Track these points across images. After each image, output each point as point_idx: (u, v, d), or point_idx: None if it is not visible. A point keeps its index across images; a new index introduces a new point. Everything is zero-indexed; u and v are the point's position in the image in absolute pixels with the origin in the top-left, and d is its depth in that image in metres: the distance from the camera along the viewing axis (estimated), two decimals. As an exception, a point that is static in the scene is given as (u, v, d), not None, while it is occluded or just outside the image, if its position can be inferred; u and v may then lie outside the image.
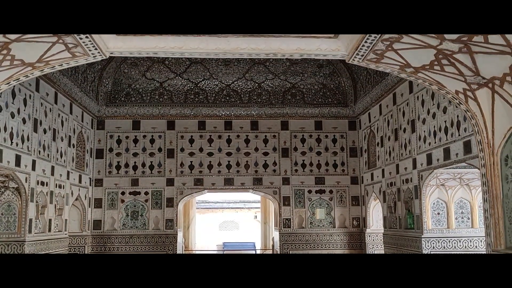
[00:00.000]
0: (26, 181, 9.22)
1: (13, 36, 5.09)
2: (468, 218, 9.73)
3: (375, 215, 13.01)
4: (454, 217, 9.68)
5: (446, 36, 4.95)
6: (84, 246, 12.40)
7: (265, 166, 13.54)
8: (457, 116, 8.07)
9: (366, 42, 5.51)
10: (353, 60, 6.11)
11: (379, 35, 5.25)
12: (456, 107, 7.54)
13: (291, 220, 13.37)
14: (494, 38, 4.67)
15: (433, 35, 4.98)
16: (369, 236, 12.99)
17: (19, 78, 6.13)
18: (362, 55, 5.92)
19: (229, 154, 13.54)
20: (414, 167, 9.82)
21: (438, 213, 9.68)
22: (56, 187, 10.64)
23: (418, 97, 9.67)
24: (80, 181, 12.18)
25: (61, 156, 10.99)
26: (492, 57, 5.00)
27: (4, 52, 5.39)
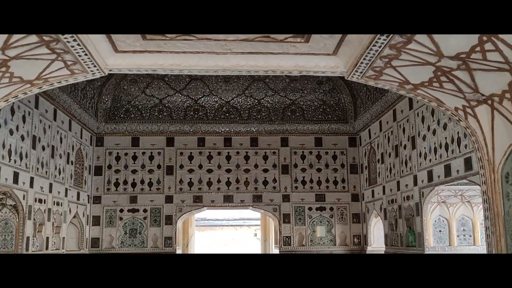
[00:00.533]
0: (23, 199, 9.17)
1: (12, 53, 5.08)
2: (470, 236, 9.66)
3: (376, 232, 12.92)
4: (456, 234, 9.62)
5: (444, 53, 4.95)
6: (82, 264, 12.28)
7: (265, 183, 13.49)
8: (458, 132, 8.05)
9: (364, 59, 5.51)
10: (352, 77, 6.10)
11: (378, 52, 5.24)
12: (456, 123, 7.52)
13: (291, 237, 13.27)
14: (493, 55, 4.67)
15: (431, 52, 4.98)
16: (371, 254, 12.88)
17: (17, 95, 6.11)
18: (361, 72, 5.91)
19: (228, 171, 13.49)
20: (415, 184, 9.77)
21: (440, 231, 9.62)
22: (54, 204, 10.57)
23: (418, 113, 9.66)
24: (78, 199, 12.11)
25: (60, 173, 10.94)
26: (491, 74, 5.00)
27: (3, 69, 5.38)
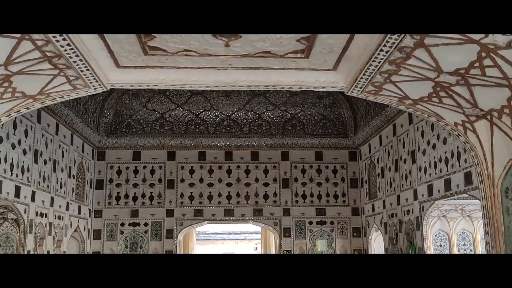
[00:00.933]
0: (25, 213, 9.17)
1: (14, 69, 5.13)
2: (471, 250, 9.63)
3: (376, 246, 12.87)
4: (456, 248, 9.59)
5: (443, 68, 4.99)
6: (82, 279, 12.23)
7: (266, 197, 13.48)
8: (457, 147, 8.07)
9: (364, 74, 5.55)
10: (352, 92, 6.15)
11: (377, 67, 5.28)
12: (456, 138, 7.55)
13: (292, 251, 13.22)
14: (491, 71, 4.70)
15: (430, 67, 5.02)
16: (371, 268, 12.81)
17: (20, 110, 6.16)
18: (360, 87, 5.95)
19: (229, 184, 13.49)
20: (415, 198, 9.77)
21: (440, 245, 9.60)
22: (55, 218, 10.57)
23: (418, 128, 9.69)
24: (79, 212, 12.11)
25: (61, 187, 10.96)
26: (490, 89, 5.04)
27: (6, 84, 5.43)
